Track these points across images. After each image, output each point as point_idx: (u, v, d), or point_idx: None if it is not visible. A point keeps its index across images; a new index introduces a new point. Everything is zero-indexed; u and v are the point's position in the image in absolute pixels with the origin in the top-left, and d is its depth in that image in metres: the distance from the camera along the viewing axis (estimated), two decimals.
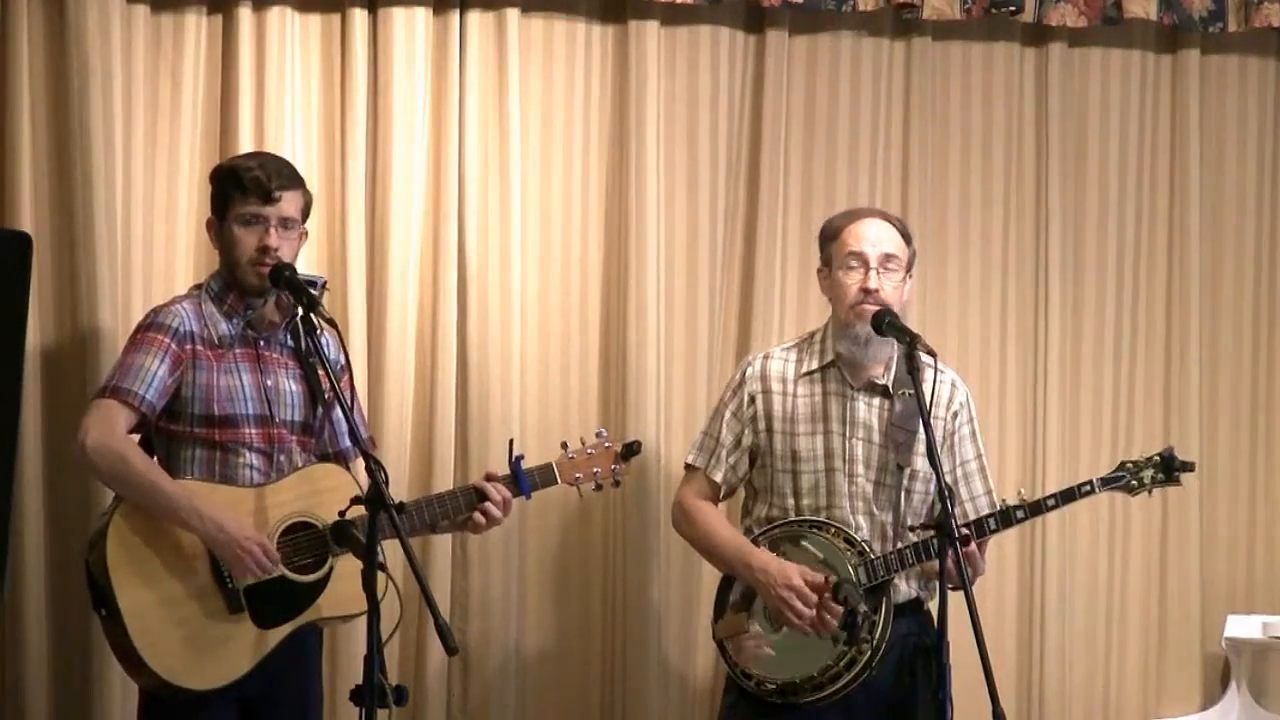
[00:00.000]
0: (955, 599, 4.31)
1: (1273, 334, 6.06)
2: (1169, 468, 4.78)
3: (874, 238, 4.71)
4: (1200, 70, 5.97)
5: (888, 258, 4.70)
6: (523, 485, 4.63)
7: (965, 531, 4.55)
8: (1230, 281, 6.03)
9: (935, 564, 4.51)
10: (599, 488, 4.79)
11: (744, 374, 4.87)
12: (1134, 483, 4.77)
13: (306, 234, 4.59)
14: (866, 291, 4.68)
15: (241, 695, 4.39)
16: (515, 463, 4.64)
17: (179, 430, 4.42)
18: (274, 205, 4.44)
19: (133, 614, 4.26)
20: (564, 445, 4.76)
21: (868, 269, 4.68)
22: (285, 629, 4.38)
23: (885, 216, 4.81)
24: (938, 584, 4.33)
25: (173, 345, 4.40)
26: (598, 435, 4.81)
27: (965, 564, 4.34)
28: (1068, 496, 4.74)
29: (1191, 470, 4.84)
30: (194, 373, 4.41)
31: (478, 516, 4.58)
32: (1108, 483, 4.76)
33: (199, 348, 4.43)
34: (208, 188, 4.79)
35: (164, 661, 4.27)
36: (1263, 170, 6.05)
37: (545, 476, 4.70)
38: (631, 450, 4.82)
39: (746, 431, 4.82)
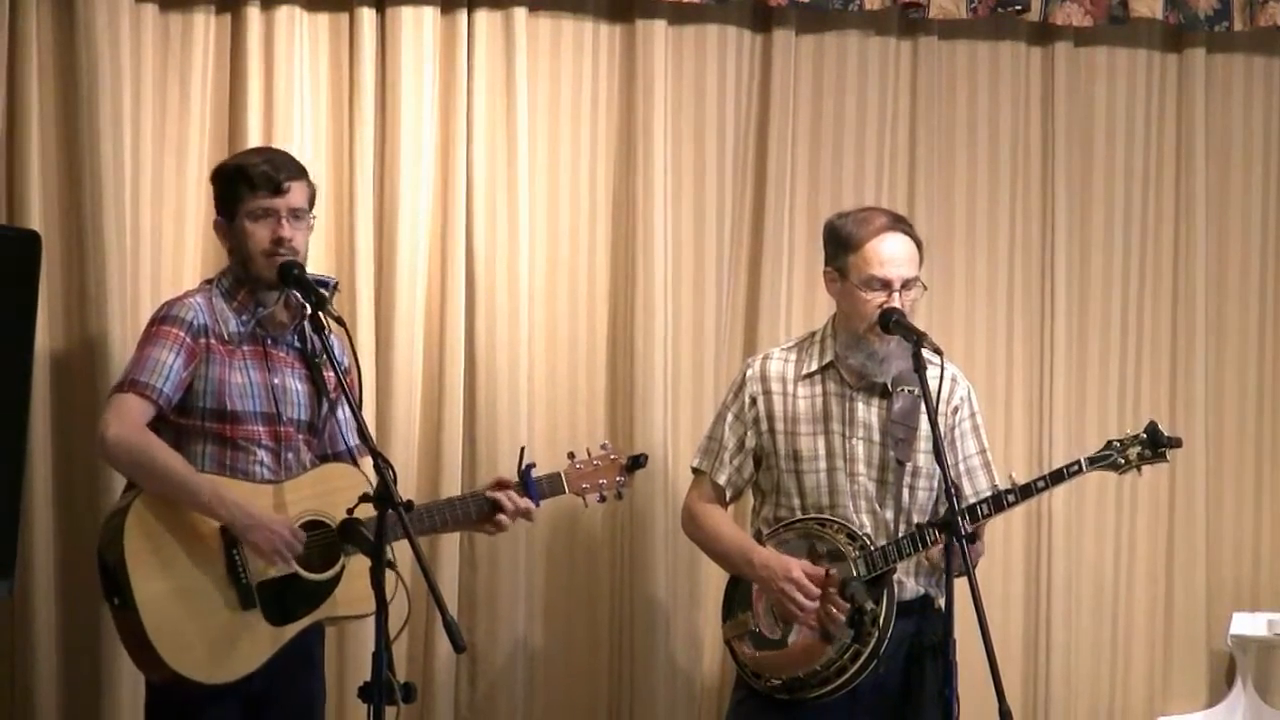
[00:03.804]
0: (961, 598, 4.32)
1: (1279, 332, 6.07)
2: (1155, 443, 4.74)
3: (899, 259, 4.67)
4: (1205, 69, 5.99)
5: (909, 280, 4.68)
6: (532, 494, 4.65)
7: (970, 530, 4.56)
8: (1236, 280, 6.04)
9: (938, 556, 4.53)
10: (603, 499, 4.81)
11: (744, 376, 4.88)
12: (1121, 460, 4.74)
13: (313, 225, 4.58)
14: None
15: (245, 693, 4.39)
16: (525, 471, 4.65)
17: (189, 424, 4.43)
18: (283, 197, 4.46)
19: (148, 604, 4.27)
20: (571, 455, 4.78)
21: (891, 291, 4.68)
22: (297, 625, 4.39)
23: (899, 224, 4.75)
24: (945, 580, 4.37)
25: (187, 339, 4.41)
26: (603, 448, 4.82)
27: (967, 555, 4.36)
28: (1056, 478, 4.72)
29: (1178, 445, 4.79)
30: (206, 366, 4.43)
31: (487, 525, 4.62)
32: (1095, 462, 4.74)
33: (211, 341, 4.44)
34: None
35: (177, 654, 4.28)
36: (1268, 169, 6.06)
37: (554, 486, 4.72)
38: (637, 464, 4.84)
39: (749, 433, 4.83)
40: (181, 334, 4.41)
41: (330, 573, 4.43)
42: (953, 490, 4.41)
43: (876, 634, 4.59)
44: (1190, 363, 5.97)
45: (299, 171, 4.53)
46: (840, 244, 4.74)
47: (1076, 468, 4.72)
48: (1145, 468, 4.76)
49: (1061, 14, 5.75)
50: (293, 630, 4.39)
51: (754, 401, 4.83)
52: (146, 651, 4.29)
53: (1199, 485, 5.94)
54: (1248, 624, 5.87)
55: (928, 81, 5.79)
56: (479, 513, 4.61)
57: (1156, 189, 5.97)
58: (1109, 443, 4.77)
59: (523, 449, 4.76)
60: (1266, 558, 6.06)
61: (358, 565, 4.35)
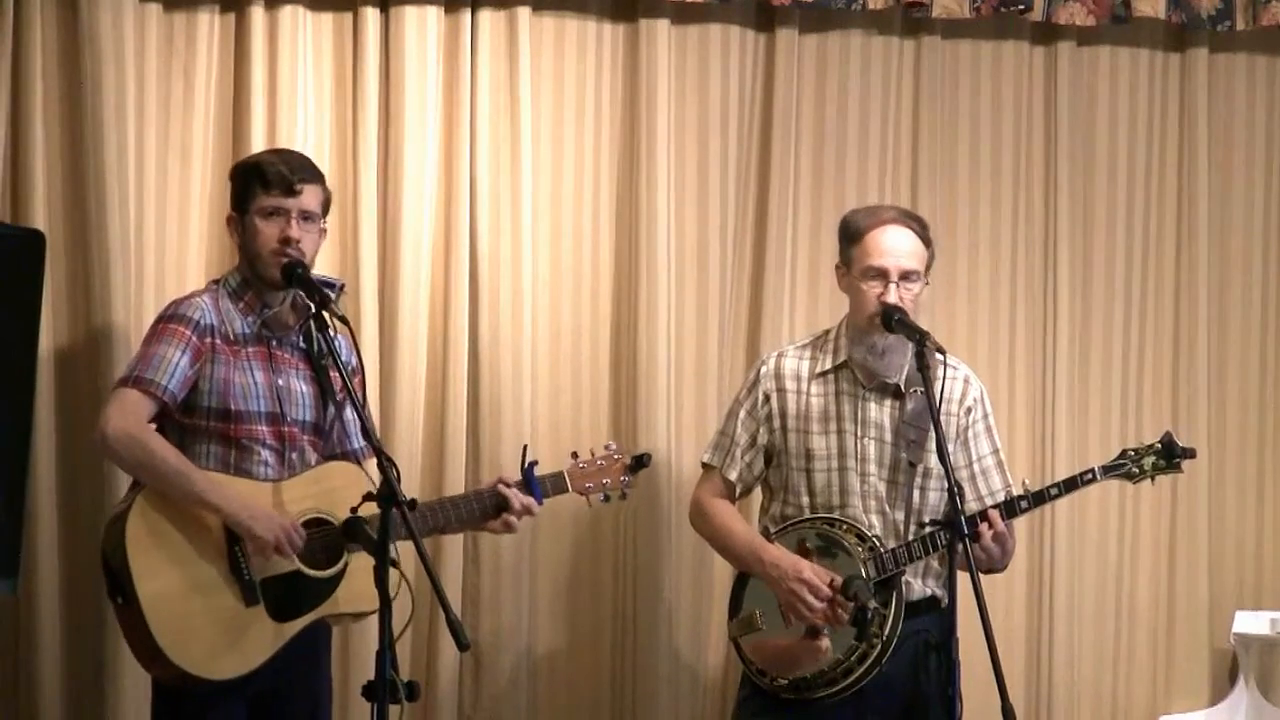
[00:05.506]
0: (965, 597, 4.32)
1: None
2: (1170, 454, 4.76)
3: (896, 250, 4.68)
4: (1208, 68, 6.00)
5: (908, 272, 4.68)
6: (535, 492, 4.65)
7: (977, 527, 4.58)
8: (1238, 279, 6.05)
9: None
10: (607, 499, 4.81)
11: (759, 372, 4.88)
12: (1135, 470, 4.76)
13: (325, 231, 4.60)
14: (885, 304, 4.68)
15: (252, 690, 4.40)
16: (528, 470, 4.66)
17: (194, 424, 4.43)
18: (295, 198, 4.47)
19: (151, 602, 4.27)
20: (574, 455, 4.79)
21: (888, 282, 4.68)
22: (300, 623, 4.39)
23: (907, 220, 4.75)
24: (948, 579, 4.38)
25: (194, 338, 4.41)
26: (607, 448, 4.83)
27: (972, 557, 4.39)
28: (1070, 485, 4.74)
29: (1192, 457, 4.81)
30: (212, 366, 4.43)
31: (495, 524, 4.62)
32: (1109, 471, 4.76)
33: (217, 342, 4.45)
34: (220, 186, 4.81)
35: (181, 651, 4.28)
36: (1270, 168, 6.07)
37: (557, 484, 4.72)
38: (641, 463, 4.84)
39: (761, 430, 4.83)
40: (188, 333, 4.41)
41: (333, 570, 4.43)
42: (954, 489, 4.43)
43: (882, 638, 4.59)
44: (1193, 361, 5.97)
45: (314, 175, 4.54)
46: (848, 237, 4.77)
47: (1091, 476, 4.73)
48: (1158, 477, 4.78)
49: (1064, 13, 5.76)
50: (295, 627, 4.40)
51: (767, 399, 4.83)
52: (151, 649, 4.29)
53: (1201, 483, 5.94)
54: (1250, 622, 5.88)
55: (930, 81, 5.79)
56: (483, 511, 4.61)
57: (1159, 188, 5.98)
58: (1124, 452, 4.79)
59: (525, 447, 4.76)
60: (1269, 556, 6.07)
61: (360, 563, 4.36)
